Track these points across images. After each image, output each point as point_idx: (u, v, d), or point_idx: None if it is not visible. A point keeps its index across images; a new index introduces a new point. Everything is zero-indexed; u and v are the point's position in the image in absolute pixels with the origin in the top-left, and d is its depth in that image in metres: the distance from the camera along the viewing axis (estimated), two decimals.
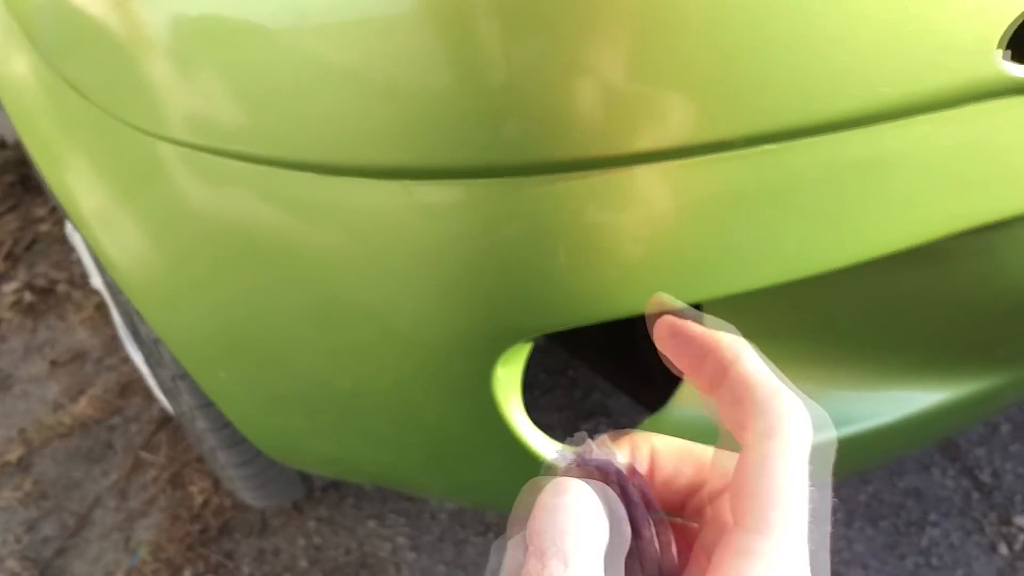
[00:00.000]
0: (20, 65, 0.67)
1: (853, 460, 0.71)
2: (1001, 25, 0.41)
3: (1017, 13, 0.41)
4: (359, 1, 0.41)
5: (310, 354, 0.63)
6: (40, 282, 1.67)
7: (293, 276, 0.56)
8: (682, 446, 0.32)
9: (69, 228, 0.96)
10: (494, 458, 0.64)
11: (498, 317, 0.50)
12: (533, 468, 0.61)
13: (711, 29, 0.39)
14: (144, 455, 1.31)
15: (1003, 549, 0.99)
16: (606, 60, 0.40)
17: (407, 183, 0.45)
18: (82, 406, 1.40)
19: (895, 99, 0.42)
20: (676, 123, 0.41)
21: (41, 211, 1.88)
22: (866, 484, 1.07)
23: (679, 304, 0.33)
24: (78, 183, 0.66)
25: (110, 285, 0.86)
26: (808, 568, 0.25)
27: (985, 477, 1.06)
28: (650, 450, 0.31)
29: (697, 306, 0.55)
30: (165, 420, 1.36)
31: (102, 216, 0.65)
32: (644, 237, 0.45)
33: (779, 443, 0.26)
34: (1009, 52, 0.42)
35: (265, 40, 0.44)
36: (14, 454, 1.34)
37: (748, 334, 0.64)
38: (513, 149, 0.42)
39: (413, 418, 0.64)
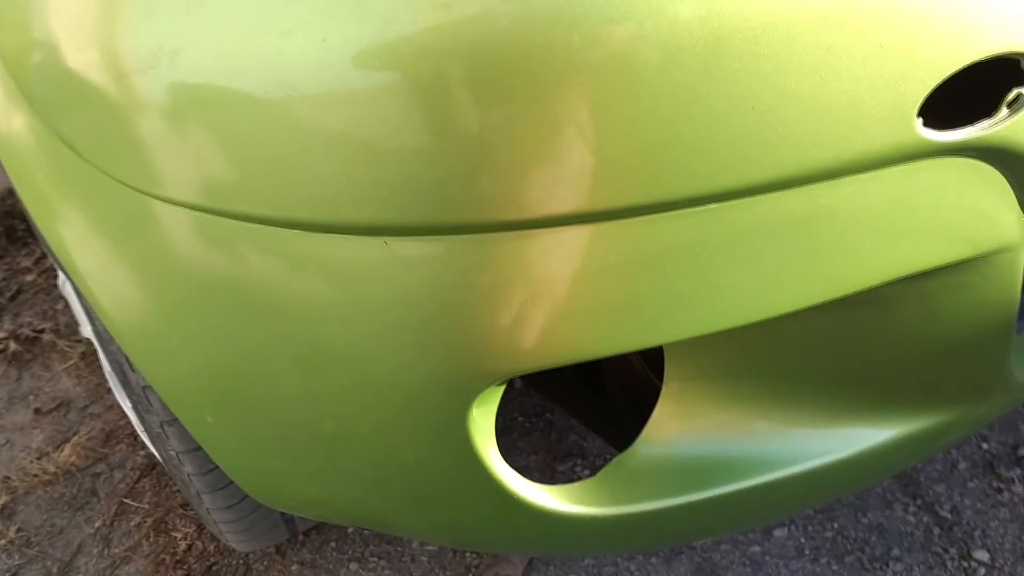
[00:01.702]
0: (17, 121, 0.71)
1: (811, 495, 0.75)
2: (917, 96, 0.47)
3: (931, 86, 0.47)
4: (343, 75, 0.46)
5: (294, 399, 0.66)
6: (25, 331, 1.69)
7: (279, 326, 0.59)
8: None
9: (60, 279, 0.99)
10: (472, 498, 0.67)
11: (472, 362, 0.54)
12: (510, 507, 0.65)
13: (658, 105, 0.44)
14: (128, 502, 1.33)
15: None
16: (566, 131, 0.45)
17: (387, 239, 0.49)
18: (66, 454, 1.42)
19: (826, 162, 0.47)
20: (627, 186, 0.46)
21: (26, 262, 1.90)
22: (832, 521, 1.10)
23: None
24: (72, 236, 0.70)
25: (100, 334, 0.89)
26: None
27: (945, 513, 1.10)
28: None
29: (657, 350, 0.59)
30: (149, 467, 1.37)
31: (95, 267, 0.69)
32: (601, 287, 0.49)
33: None
34: (921, 120, 0.47)
35: (255, 108, 0.49)
36: None
37: (709, 376, 0.69)
38: (483, 209, 0.47)
39: (394, 460, 0.67)
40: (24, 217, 1.98)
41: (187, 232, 0.58)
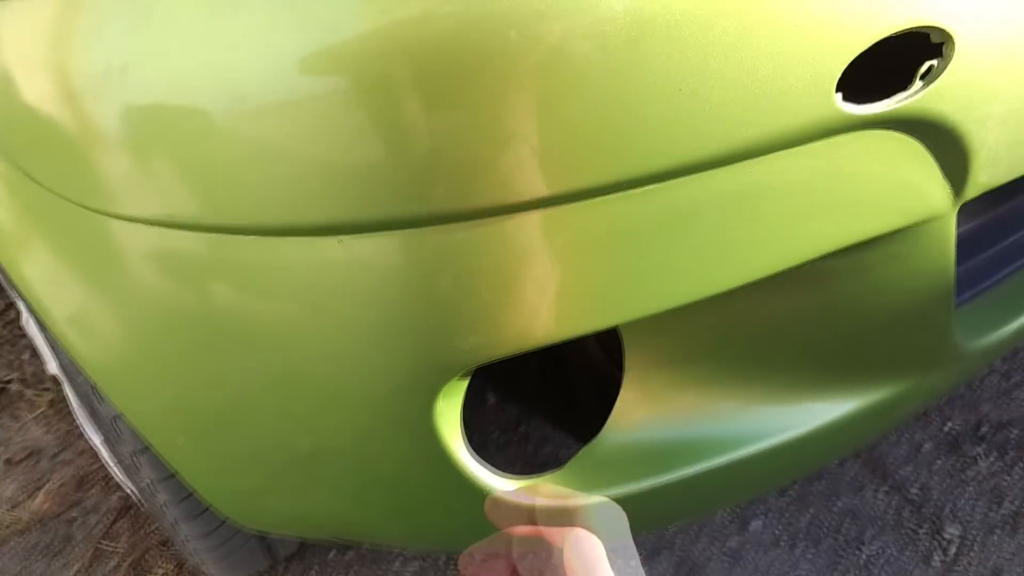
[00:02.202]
0: None
1: (777, 472, 0.77)
2: (834, 72, 0.49)
3: (846, 62, 0.49)
4: (290, 82, 0.48)
5: (265, 415, 0.67)
6: None
7: (242, 338, 0.61)
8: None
9: (24, 317, 0.99)
10: (446, 496, 0.68)
11: (433, 354, 0.56)
12: (482, 504, 0.66)
13: (592, 93, 0.47)
14: (104, 544, 1.31)
15: (937, 558, 1.05)
16: (508, 122, 0.47)
17: (341, 237, 0.51)
18: (39, 501, 1.40)
19: (753, 139, 0.50)
20: (569, 172, 0.48)
21: None
22: (805, 509, 1.12)
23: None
24: (33, 267, 0.71)
25: (66, 368, 0.89)
26: None
27: (914, 493, 1.12)
28: None
29: (613, 330, 0.61)
30: (124, 508, 1.36)
31: (57, 296, 0.70)
32: (551, 272, 0.51)
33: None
34: (841, 94, 0.50)
35: (205, 119, 0.50)
36: None
37: (667, 362, 0.71)
38: (431, 201, 0.49)
39: (369, 467, 0.68)
40: None
41: (146, 249, 0.59)
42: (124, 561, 1.27)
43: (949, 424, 1.21)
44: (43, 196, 0.63)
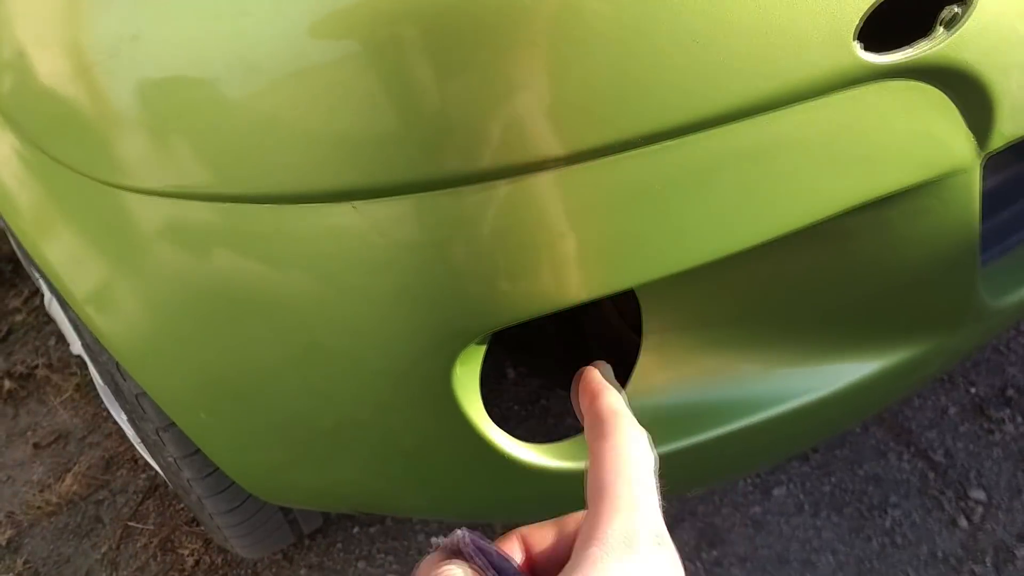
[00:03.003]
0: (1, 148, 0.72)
1: (799, 435, 0.76)
2: (852, 19, 0.48)
3: (864, 8, 0.48)
4: (300, 47, 0.47)
5: (284, 387, 0.67)
6: (19, 369, 1.70)
7: (261, 310, 0.61)
8: (554, 523, 0.36)
9: (47, 299, 1.00)
10: (466, 463, 0.68)
11: (451, 319, 0.55)
12: (502, 468, 0.66)
13: (606, 48, 0.46)
14: (133, 524, 1.33)
15: (963, 522, 1.04)
16: (521, 81, 0.47)
17: (355, 203, 0.51)
18: (68, 484, 1.42)
19: (771, 91, 0.49)
20: (584, 129, 0.48)
21: (15, 302, 1.91)
22: (828, 475, 1.12)
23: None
24: (56, 247, 0.71)
25: (90, 347, 0.90)
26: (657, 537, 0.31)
27: (939, 457, 1.11)
28: (519, 536, 0.35)
29: (631, 294, 0.61)
30: (152, 488, 1.38)
31: (79, 275, 0.70)
32: (567, 233, 0.51)
33: (610, 443, 0.34)
34: (861, 44, 0.49)
35: (217, 88, 0.50)
36: (3, 536, 1.35)
37: (685, 326, 0.70)
38: (446, 163, 0.49)
39: (390, 437, 0.68)
40: (9, 259, 1.98)
41: (164, 222, 0.59)
42: (152, 540, 1.29)
43: (974, 388, 1.20)
44: (61, 173, 0.63)
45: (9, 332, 1.83)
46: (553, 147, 0.48)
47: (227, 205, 0.54)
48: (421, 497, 0.79)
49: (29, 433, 1.56)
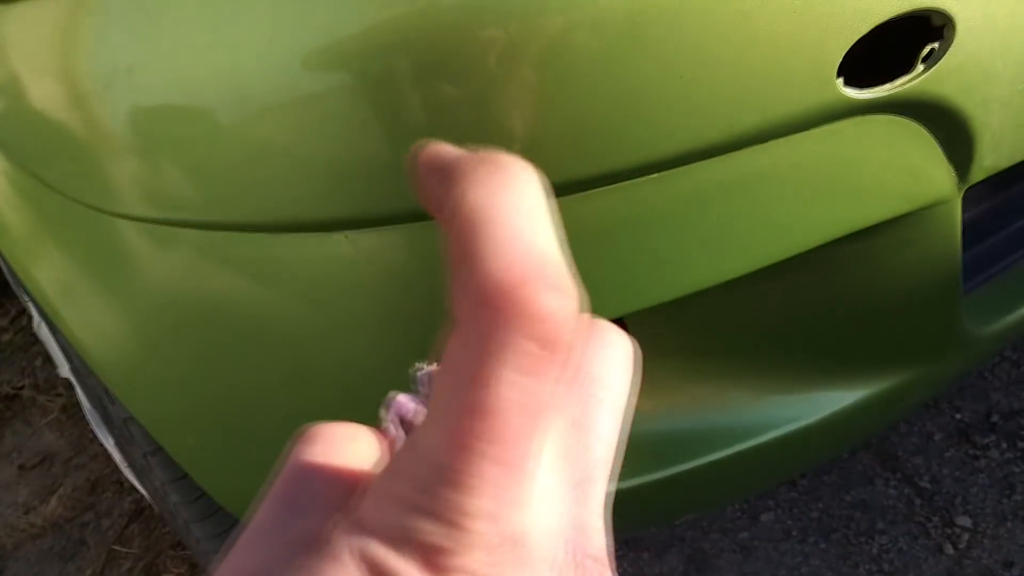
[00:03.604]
0: None
1: (787, 462, 0.77)
2: (835, 56, 0.50)
3: (847, 45, 0.50)
4: (294, 79, 0.48)
5: (274, 413, 0.68)
6: (5, 389, 1.69)
7: (252, 337, 0.61)
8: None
9: (36, 321, 1.00)
10: None
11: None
12: None
13: (594, 83, 0.47)
14: (118, 548, 1.32)
15: (949, 549, 1.04)
16: (511, 114, 0.48)
17: (347, 233, 0.51)
18: (53, 506, 1.41)
19: (756, 125, 0.50)
20: (573, 161, 0.49)
21: (2, 322, 1.90)
22: (816, 501, 1.12)
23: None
24: (46, 271, 0.71)
25: (78, 370, 0.90)
26: None
27: (925, 484, 1.12)
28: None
29: (619, 321, 0.62)
30: (137, 512, 1.37)
31: (69, 299, 0.70)
32: None
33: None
34: (842, 79, 0.50)
35: (212, 119, 0.51)
36: None
37: (673, 353, 0.71)
38: None
39: None
40: None
41: (157, 249, 0.59)
42: (137, 564, 1.28)
43: (959, 414, 1.21)
44: (54, 199, 0.63)
45: None
46: (541, 179, 0.49)
47: (220, 233, 0.55)
48: None
49: (14, 455, 1.55)
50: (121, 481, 1.43)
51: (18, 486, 1.47)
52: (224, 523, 0.96)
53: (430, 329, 0.56)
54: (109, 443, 1.05)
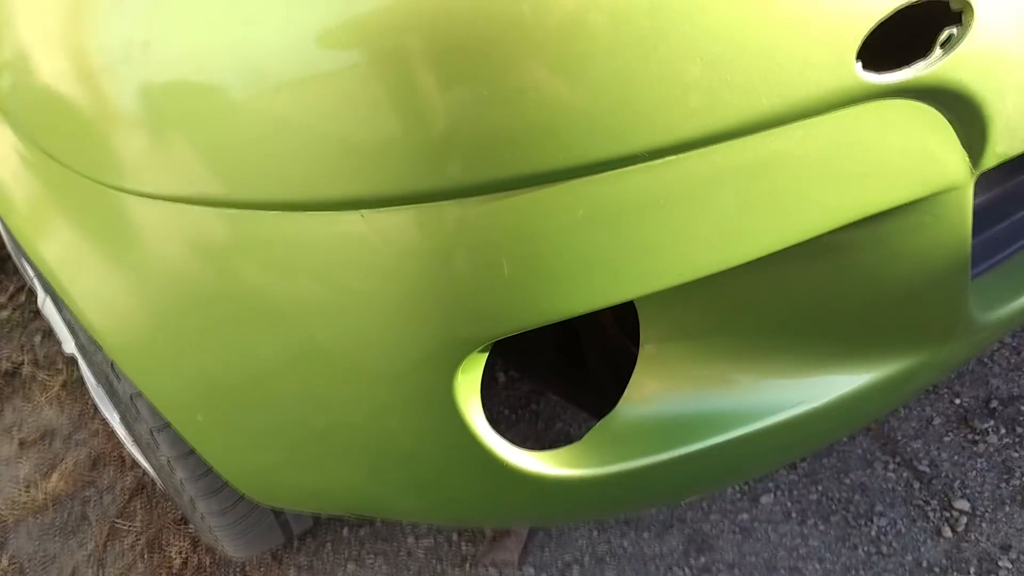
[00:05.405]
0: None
1: (791, 446, 0.77)
2: (854, 40, 0.49)
3: (866, 30, 0.49)
4: (309, 56, 0.48)
5: (283, 390, 0.68)
6: (4, 365, 1.69)
7: (263, 314, 0.61)
8: None
9: (41, 298, 1.00)
10: (464, 469, 0.69)
11: (454, 328, 0.56)
12: (500, 475, 0.67)
13: (612, 64, 0.47)
14: (120, 523, 1.33)
15: (947, 532, 1.06)
16: (525, 94, 0.47)
17: (362, 212, 0.51)
18: (54, 481, 1.41)
19: (773, 108, 0.50)
20: (589, 143, 0.48)
21: (1, 298, 1.90)
22: (815, 484, 1.13)
23: None
24: (54, 247, 0.71)
25: (84, 347, 0.90)
26: None
27: (924, 467, 1.13)
28: None
29: (629, 304, 0.62)
30: (139, 488, 1.37)
31: (77, 274, 0.70)
32: (572, 245, 0.52)
33: None
34: (860, 63, 0.50)
35: (226, 95, 0.50)
36: None
37: (682, 336, 0.71)
38: (454, 173, 0.49)
39: (388, 442, 0.69)
40: None
41: (167, 226, 0.59)
42: (140, 539, 1.29)
43: (959, 399, 1.22)
44: (64, 175, 0.63)
45: None
46: (558, 160, 0.49)
47: (233, 211, 0.55)
48: (415, 501, 0.79)
49: (15, 430, 1.55)
50: (122, 457, 1.44)
51: (19, 462, 1.47)
52: (230, 499, 0.96)
53: (443, 309, 0.56)
54: (114, 419, 1.05)
